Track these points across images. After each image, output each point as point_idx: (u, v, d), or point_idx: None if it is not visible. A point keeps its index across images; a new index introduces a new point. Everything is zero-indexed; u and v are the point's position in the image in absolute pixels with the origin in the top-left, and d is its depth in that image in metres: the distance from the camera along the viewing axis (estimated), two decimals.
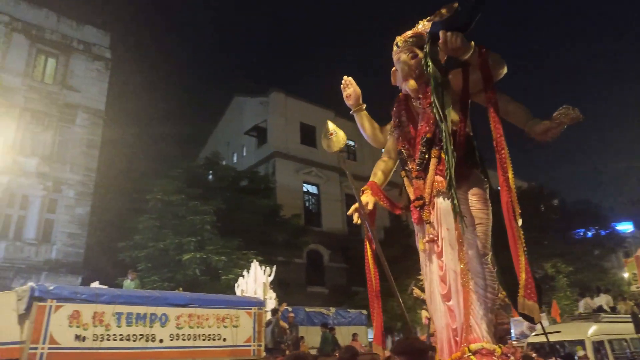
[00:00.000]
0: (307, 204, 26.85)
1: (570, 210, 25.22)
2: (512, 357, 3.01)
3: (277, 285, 13.66)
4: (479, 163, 3.26)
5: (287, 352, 9.80)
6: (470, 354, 2.83)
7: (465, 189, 3.12)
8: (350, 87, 3.81)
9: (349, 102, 3.84)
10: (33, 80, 18.18)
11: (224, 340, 8.16)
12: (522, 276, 2.83)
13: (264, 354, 8.85)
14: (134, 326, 7.32)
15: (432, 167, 3.19)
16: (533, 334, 10.23)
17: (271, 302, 12.03)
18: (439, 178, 3.14)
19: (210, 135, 32.94)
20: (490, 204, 3.16)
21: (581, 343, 9.07)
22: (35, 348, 6.44)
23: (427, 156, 3.22)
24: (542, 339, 8.16)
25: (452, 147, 2.95)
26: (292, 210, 22.03)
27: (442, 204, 3.12)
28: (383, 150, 3.83)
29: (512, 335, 10.64)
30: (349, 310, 17.09)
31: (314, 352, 11.93)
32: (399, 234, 20.11)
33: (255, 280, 12.49)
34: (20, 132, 17.43)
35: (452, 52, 3.02)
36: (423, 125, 3.29)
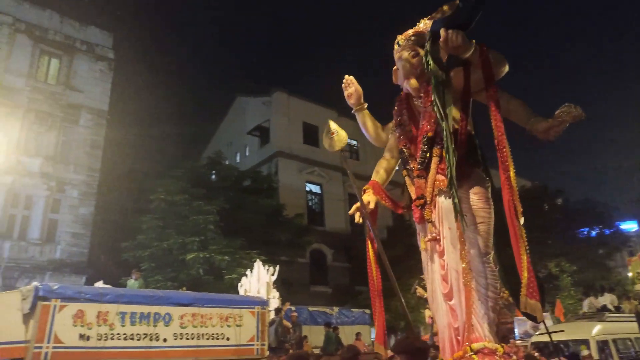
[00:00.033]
0: (310, 204, 26.86)
1: (574, 209, 25.12)
2: (514, 357, 3.00)
3: (281, 284, 13.68)
4: (480, 162, 3.24)
5: (291, 351, 9.80)
6: (472, 353, 2.82)
7: (466, 188, 3.11)
8: (351, 86, 3.79)
9: (350, 101, 3.82)
10: (36, 81, 18.28)
11: (228, 339, 8.18)
12: (525, 275, 2.81)
13: (267, 353, 8.87)
14: (138, 325, 7.36)
15: (433, 166, 3.18)
16: (537, 333, 10.20)
17: (274, 302, 12.04)
18: (440, 177, 3.13)
19: (213, 135, 33.00)
20: (492, 203, 3.15)
21: (585, 342, 9.02)
22: (40, 347, 6.48)
23: (428, 155, 3.20)
24: (546, 338, 8.13)
25: (453, 146, 2.94)
26: (295, 209, 22.04)
27: (444, 202, 3.11)
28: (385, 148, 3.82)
29: (516, 334, 10.61)
30: (352, 309, 17.08)
31: (317, 351, 11.95)
32: (402, 233, 20.08)
33: (259, 280, 12.51)
34: (24, 132, 17.52)
35: (453, 50, 2.99)
36: (424, 124, 3.27)
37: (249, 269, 13.15)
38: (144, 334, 7.36)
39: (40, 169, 17.43)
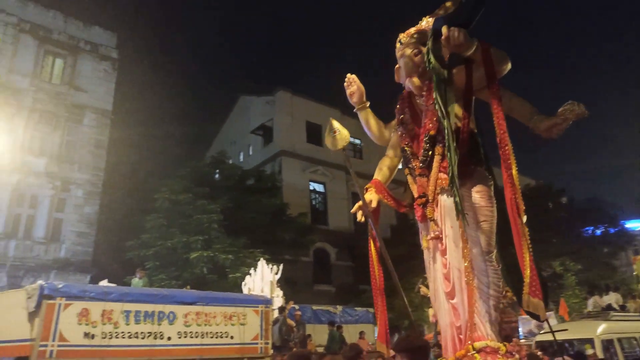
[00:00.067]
0: (313, 203, 26.87)
1: (579, 208, 24.99)
2: (516, 355, 2.99)
3: (284, 283, 13.69)
4: (483, 160, 3.22)
5: (294, 349, 9.82)
6: (474, 352, 2.81)
7: (469, 186, 3.09)
8: (353, 85, 3.77)
9: (352, 100, 3.81)
10: (41, 81, 18.36)
11: (232, 338, 8.20)
12: (527, 273, 2.80)
13: (271, 351, 8.88)
14: (142, 324, 7.38)
15: (435, 164, 3.16)
16: (541, 332, 10.16)
17: (278, 300, 12.06)
18: (442, 175, 3.11)
19: (216, 134, 33.06)
20: (495, 201, 3.13)
21: (590, 342, 8.97)
22: (45, 345, 6.51)
23: (430, 153, 3.19)
24: (551, 337, 8.10)
25: (454, 144, 2.93)
26: (298, 208, 22.06)
27: (446, 201, 3.09)
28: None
29: (521, 333, 10.57)
30: (355, 308, 17.10)
31: (321, 349, 11.95)
32: (405, 232, 20.04)
33: (262, 279, 12.54)
34: (29, 132, 17.62)
35: (455, 48, 2.98)
36: (426, 122, 3.26)
37: (252, 268, 13.18)
38: (149, 333, 7.38)
39: (45, 169, 17.53)
